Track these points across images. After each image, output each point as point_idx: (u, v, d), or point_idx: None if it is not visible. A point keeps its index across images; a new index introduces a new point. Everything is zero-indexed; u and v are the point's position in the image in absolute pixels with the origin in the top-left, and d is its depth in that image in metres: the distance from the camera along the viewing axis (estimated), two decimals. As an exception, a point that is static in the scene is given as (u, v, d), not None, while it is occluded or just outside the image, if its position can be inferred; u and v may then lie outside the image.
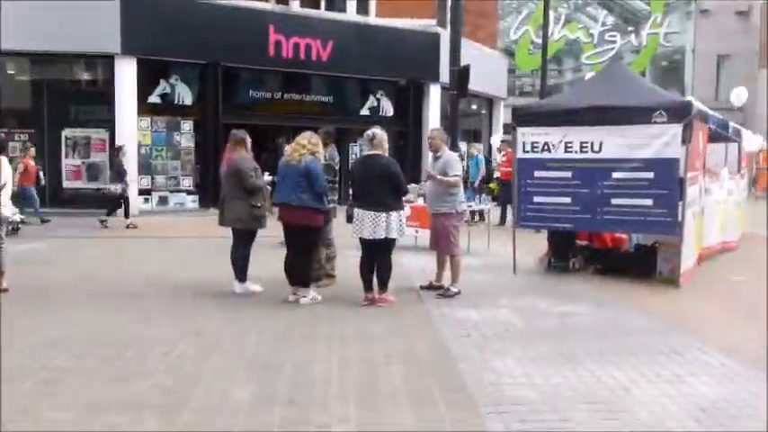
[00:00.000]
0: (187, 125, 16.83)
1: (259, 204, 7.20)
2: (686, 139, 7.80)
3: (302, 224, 6.78)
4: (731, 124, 11.49)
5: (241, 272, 7.31)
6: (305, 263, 6.94)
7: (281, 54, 17.12)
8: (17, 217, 11.98)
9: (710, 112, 9.96)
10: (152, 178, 16.38)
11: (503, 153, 15.55)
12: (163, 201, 16.35)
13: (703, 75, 34.80)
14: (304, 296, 6.88)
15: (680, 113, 7.76)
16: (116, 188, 13.35)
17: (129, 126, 15.76)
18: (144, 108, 16.14)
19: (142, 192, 16.11)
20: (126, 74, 15.55)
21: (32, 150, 14.19)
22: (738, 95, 15.02)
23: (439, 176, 7.39)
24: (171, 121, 16.65)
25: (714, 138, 10.18)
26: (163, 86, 16.57)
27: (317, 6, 18.65)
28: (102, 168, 15.98)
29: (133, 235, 12.73)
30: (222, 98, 16.77)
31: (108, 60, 15.66)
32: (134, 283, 7.93)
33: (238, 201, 7.16)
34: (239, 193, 7.15)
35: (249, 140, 7.42)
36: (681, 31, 35.12)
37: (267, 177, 7.59)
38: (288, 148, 7.11)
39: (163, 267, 9.12)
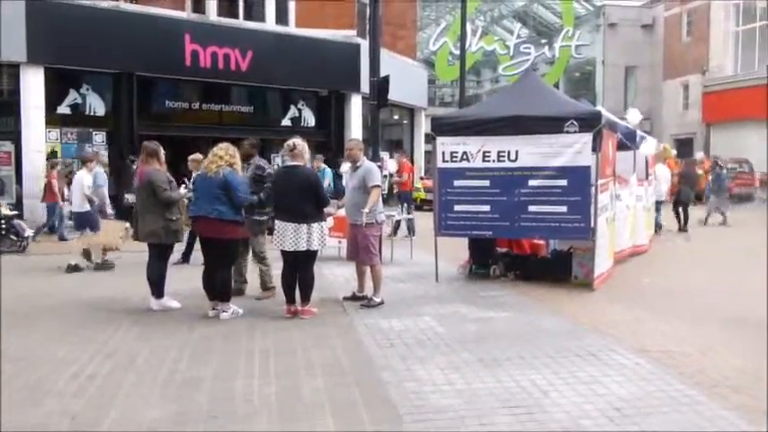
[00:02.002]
0: (99, 136, 16.23)
1: (174, 218, 7.00)
2: (596, 148, 8.11)
3: (221, 237, 6.63)
4: (638, 132, 12.05)
5: (157, 288, 7.08)
6: (224, 276, 6.80)
7: (199, 64, 16.78)
8: (28, 232, 12.01)
9: (619, 122, 10.42)
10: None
11: (397, 165, 15.81)
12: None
13: (613, 85, 36.39)
14: (224, 311, 6.72)
15: (590, 123, 8.07)
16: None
17: (37, 138, 15.07)
18: (53, 119, 15.47)
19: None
20: (32, 83, 14.87)
21: (59, 167, 14.00)
22: (633, 115, 15.65)
23: (365, 210, 7.20)
24: (82, 133, 16.01)
25: (623, 146, 10.64)
26: (73, 96, 15.94)
27: (236, 15, 18.39)
28: (7, 182, 15.18)
29: (39, 252, 12.10)
30: (137, 108, 16.28)
31: (13, 69, 14.95)
32: (45, 300, 7.55)
33: (152, 214, 6.94)
34: (153, 206, 6.94)
35: (162, 152, 7.22)
36: (591, 44, 36.62)
37: (183, 190, 7.39)
38: (204, 160, 6.95)
39: (74, 284, 8.72)
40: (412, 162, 24.40)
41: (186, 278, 8.02)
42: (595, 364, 5.23)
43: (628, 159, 11.66)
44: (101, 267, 9.84)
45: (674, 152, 25.17)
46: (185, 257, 9.91)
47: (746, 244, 12.89)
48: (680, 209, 15.80)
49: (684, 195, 15.80)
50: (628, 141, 10.90)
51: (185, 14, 17.22)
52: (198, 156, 9.22)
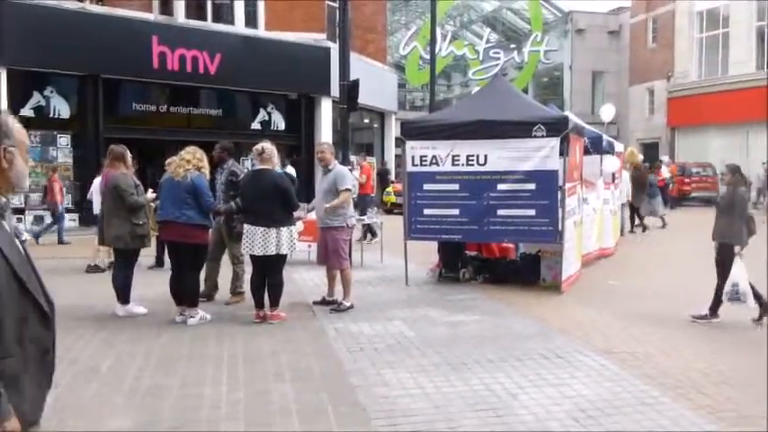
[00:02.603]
0: (64, 139, 15.93)
1: (141, 222, 6.91)
2: (564, 152, 8.21)
3: (188, 242, 6.56)
4: (605, 137, 12.23)
5: (123, 293, 6.97)
6: (192, 282, 6.72)
7: (166, 66, 16.59)
8: (25, 236, 11.49)
9: (586, 126, 10.55)
10: (25, 197, 15.29)
11: (360, 168, 15.86)
12: (38, 220, 15.33)
13: (580, 90, 36.87)
14: (192, 316, 6.64)
15: (557, 127, 8.16)
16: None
17: (-1, 141, 14.72)
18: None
19: (16, 211, 15.06)
20: (-7, 85, 14.55)
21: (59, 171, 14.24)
22: (606, 111, 15.95)
23: (328, 206, 7.29)
24: (46, 136, 15.70)
25: (590, 150, 10.79)
26: (36, 99, 15.63)
27: (204, 18, 18.22)
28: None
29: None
30: (103, 111, 16.02)
31: (-26, 71, 14.61)
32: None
33: (118, 219, 6.84)
34: (119, 210, 6.85)
35: (129, 156, 7.13)
36: (559, 49, 37.06)
37: (150, 194, 7.30)
38: (171, 164, 6.87)
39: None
40: (382, 165, 24.57)
41: (153, 283, 7.92)
42: (563, 366, 5.28)
43: (594, 163, 11.82)
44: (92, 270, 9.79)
45: (641, 156, 25.61)
46: (159, 261, 9.76)
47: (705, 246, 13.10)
48: (632, 212, 16.25)
49: (636, 200, 16.13)
50: (597, 144, 11.06)
51: (152, 16, 17.02)
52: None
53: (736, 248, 6.61)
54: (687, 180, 25.93)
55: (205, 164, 6.74)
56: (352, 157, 14.58)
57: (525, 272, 9.10)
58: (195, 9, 18.06)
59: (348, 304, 7.37)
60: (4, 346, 1.81)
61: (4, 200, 1.92)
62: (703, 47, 30.36)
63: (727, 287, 6.57)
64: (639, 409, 4.31)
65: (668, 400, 4.48)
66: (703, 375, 5.04)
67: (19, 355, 1.88)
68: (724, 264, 6.69)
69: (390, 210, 21.10)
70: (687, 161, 27.17)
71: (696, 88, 29.67)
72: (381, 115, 25.34)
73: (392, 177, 24.19)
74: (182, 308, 6.71)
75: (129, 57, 15.92)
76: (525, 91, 32.44)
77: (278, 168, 7.15)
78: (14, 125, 2.01)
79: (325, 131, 19.69)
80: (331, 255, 7.48)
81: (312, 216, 10.10)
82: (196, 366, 5.26)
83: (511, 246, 9.75)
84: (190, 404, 4.41)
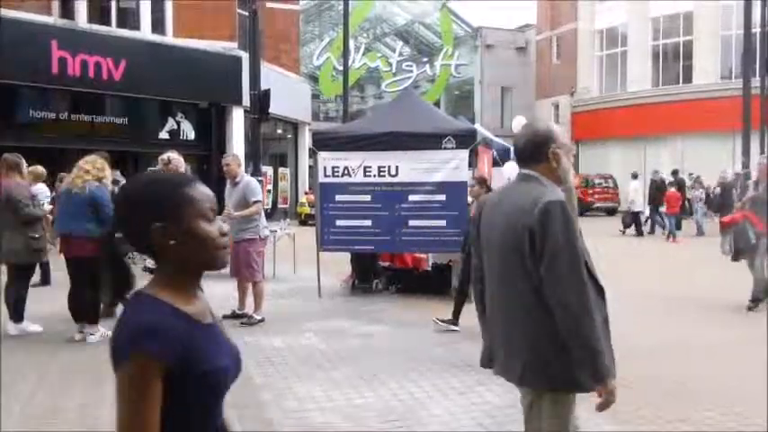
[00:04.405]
0: (-46, 148, 14.93)
1: (37, 235, 6.54)
2: (473, 164, 8.40)
3: (89, 256, 6.25)
4: (513, 149, 12.58)
5: (16, 311, 6.56)
6: (92, 297, 6.39)
7: (67, 72, 15.84)
8: None
9: (495, 139, 10.85)
10: None
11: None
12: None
13: (490, 104, 37.98)
14: (91, 333, 6.33)
15: (466, 140, 8.35)
16: None
17: None
18: None
19: None
20: None
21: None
22: (517, 123, 16.53)
23: (236, 214, 7.20)
24: (-67, 144, 14.67)
25: (498, 161, 11.09)
26: None
27: (108, 23, 17.56)
28: None
29: None
30: (-3, 118, 15.14)
31: None
32: None
33: (13, 232, 6.45)
34: (13, 223, 6.45)
35: (25, 165, 6.75)
36: (469, 63, 38.05)
37: (47, 206, 6.92)
38: (69, 175, 6.54)
39: None
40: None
41: (50, 299, 7.50)
42: (472, 374, 5.35)
43: (503, 175, 12.15)
44: None
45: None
46: (45, 277, 9.18)
47: (608, 252, 13.75)
48: None
49: None
50: (504, 156, 11.38)
51: (52, 20, 16.24)
52: (38, 169, 8.65)
53: None
54: (590, 191, 27.12)
55: (106, 173, 6.46)
56: (265, 168, 14.42)
57: (437, 282, 9.23)
58: (98, 13, 17.38)
59: (259, 317, 7.24)
60: None
61: None
62: (603, 64, 31.96)
63: None
64: (544, 414, 4.43)
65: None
66: (604, 379, 5.24)
67: None
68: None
69: (304, 221, 20.96)
70: (590, 173, 28.43)
71: (597, 103, 31.19)
72: (295, 126, 25.20)
73: (306, 188, 24.09)
74: (81, 325, 6.39)
75: (27, 61, 15.09)
76: (437, 104, 33.06)
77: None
78: (559, 130, 2.54)
79: (236, 142, 19.37)
80: (243, 267, 7.33)
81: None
82: (96, 386, 5.00)
83: (423, 256, 9.87)
84: (87, 426, 4.19)
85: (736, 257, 7.98)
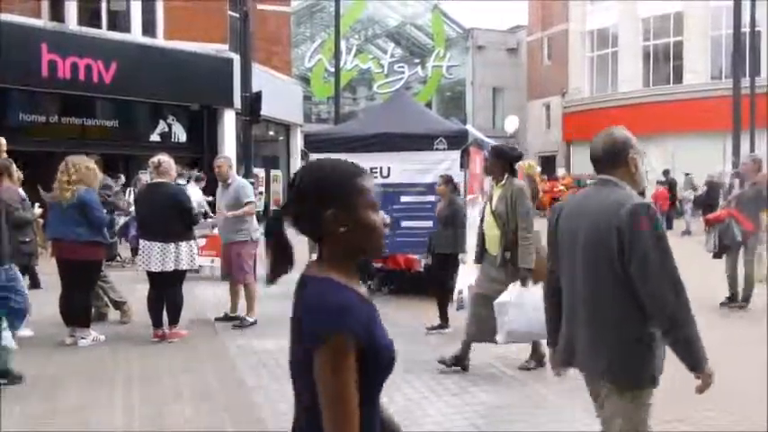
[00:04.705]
0: (-57, 152, 14.82)
1: (27, 239, 6.50)
2: (465, 165, 8.41)
3: (79, 259, 6.23)
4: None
5: (7, 315, 6.52)
6: (83, 300, 6.38)
7: (57, 74, 15.74)
8: None
9: (486, 140, 10.86)
10: None
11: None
12: None
13: (481, 105, 38.06)
14: (83, 337, 6.30)
15: (458, 141, 8.37)
16: None
17: None
18: None
19: None
20: None
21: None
22: (511, 123, 16.65)
23: (230, 213, 7.20)
24: None
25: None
26: None
27: (98, 25, 17.47)
28: None
29: None
30: (-13, 122, 15.04)
31: None
32: None
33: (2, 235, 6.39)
34: (3, 226, 6.39)
35: (15, 168, 6.70)
36: (461, 65, 38.13)
37: (37, 210, 6.88)
38: (54, 190, 6.44)
39: None
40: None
41: (41, 303, 7.46)
42: (465, 374, 5.37)
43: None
44: None
45: (539, 169, 26.68)
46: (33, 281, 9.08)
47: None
48: None
49: None
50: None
51: (42, 23, 16.16)
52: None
53: (460, 256, 6.82)
54: (582, 191, 27.19)
55: (90, 173, 6.34)
56: (257, 170, 14.37)
57: (429, 283, 9.20)
58: (89, 16, 17.30)
59: (251, 320, 7.23)
60: None
61: None
62: (594, 65, 32.06)
63: (456, 295, 6.70)
64: (537, 414, 4.44)
65: (565, 402, 4.63)
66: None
67: None
68: (447, 273, 6.82)
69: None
70: (582, 173, 28.51)
71: (589, 104, 31.26)
72: (287, 128, 25.14)
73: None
74: (72, 328, 6.35)
75: (16, 64, 14.98)
76: (429, 105, 33.10)
77: (181, 181, 6.94)
78: (633, 136, 2.73)
79: (228, 144, 19.29)
80: (235, 269, 7.32)
81: (214, 232, 9.90)
82: (87, 390, 4.99)
83: (415, 257, 9.85)
84: (78, 431, 4.17)
85: (719, 254, 8.00)
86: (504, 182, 5.35)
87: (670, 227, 17.65)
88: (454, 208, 7.00)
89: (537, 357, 5.47)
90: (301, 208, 1.58)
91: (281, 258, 1.62)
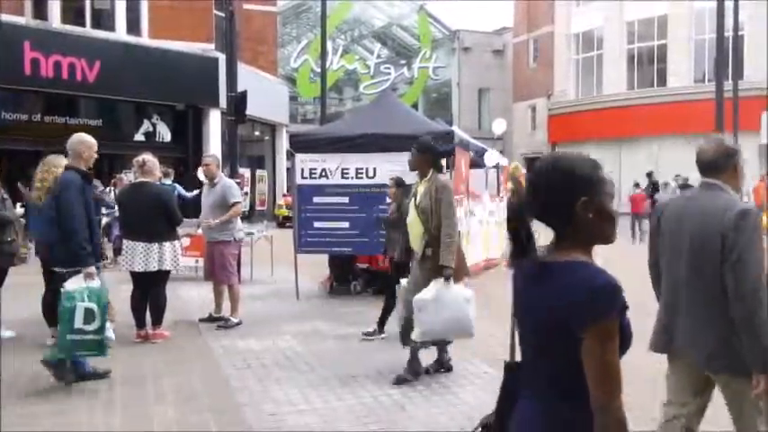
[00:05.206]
0: (-77, 150, 14.64)
1: (9, 239, 6.42)
2: (450, 165, 8.41)
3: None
4: (489, 151, 12.65)
5: (-12, 316, 6.44)
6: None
7: (40, 73, 15.61)
8: None
9: (472, 141, 10.89)
10: None
11: None
12: None
13: (467, 106, 38.15)
14: (65, 338, 6.22)
15: (443, 142, 8.34)
16: None
17: None
18: None
19: None
20: None
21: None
22: (498, 125, 16.67)
23: (216, 222, 7.15)
24: None
25: (476, 163, 11.13)
26: None
27: (82, 24, 17.32)
28: None
29: None
30: (-32, 120, 14.86)
31: None
32: None
33: (-18, 235, 6.32)
34: (-16, 226, 6.32)
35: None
36: (447, 66, 38.20)
37: (19, 209, 6.80)
38: (32, 192, 6.36)
39: None
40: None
41: (23, 304, 7.37)
42: (450, 375, 5.37)
43: (480, 176, 12.22)
44: None
45: (524, 170, 26.81)
46: None
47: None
48: None
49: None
50: (481, 158, 11.43)
51: (24, 20, 16.00)
52: None
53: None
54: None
55: (56, 171, 6.26)
56: (242, 170, 14.31)
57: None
58: (73, 14, 17.15)
59: (236, 320, 7.19)
60: None
61: None
62: (580, 67, 32.24)
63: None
64: (522, 414, 4.44)
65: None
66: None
67: None
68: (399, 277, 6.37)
69: (282, 223, 20.86)
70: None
71: (574, 106, 31.44)
72: (272, 128, 25.08)
73: (284, 190, 23.97)
74: (54, 329, 6.26)
75: (-2, 62, 14.86)
76: (415, 106, 33.11)
77: (168, 181, 6.88)
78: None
79: (213, 143, 19.20)
80: (218, 270, 7.28)
81: (198, 232, 9.84)
82: (68, 392, 4.93)
83: (401, 258, 9.85)
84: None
85: None
86: (428, 177, 5.20)
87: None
88: (404, 211, 6.86)
89: (442, 364, 5.42)
90: (552, 198, 1.69)
91: (526, 246, 1.72)
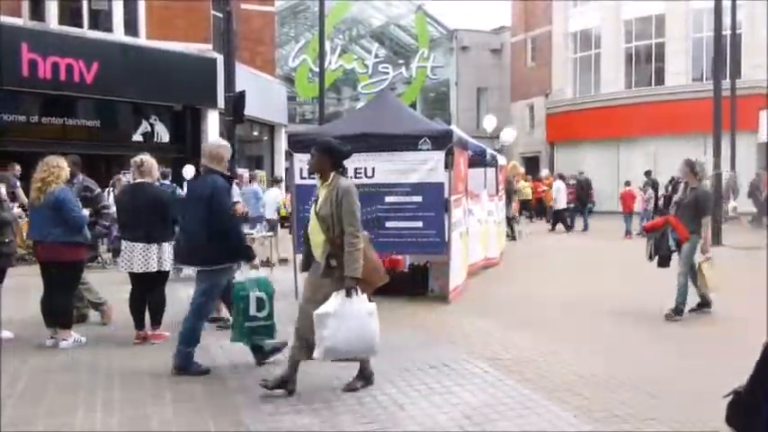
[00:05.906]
0: None
1: (7, 240, 6.41)
2: (449, 165, 8.42)
3: (59, 260, 6.16)
4: (488, 151, 12.68)
5: (-14, 317, 6.44)
6: (64, 302, 6.30)
7: (38, 74, 15.59)
8: None
9: (470, 140, 10.88)
10: None
11: None
12: None
13: (465, 106, 38.15)
14: (64, 339, 6.23)
15: (442, 141, 8.36)
16: None
17: None
18: None
19: None
20: None
21: None
22: (489, 123, 16.75)
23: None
24: None
25: (474, 163, 11.14)
26: None
27: (80, 25, 17.30)
28: None
29: None
30: (-34, 122, 14.84)
31: None
32: None
33: (-19, 236, 6.32)
34: (-18, 227, 6.32)
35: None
36: (445, 65, 38.18)
37: (16, 210, 6.80)
38: (31, 192, 6.34)
39: None
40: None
41: (21, 304, 7.38)
42: (449, 374, 5.37)
43: (479, 176, 12.23)
44: None
45: (522, 169, 26.82)
46: None
47: (577, 253, 13.91)
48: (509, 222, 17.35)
49: (507, 210, 17.04)
50: (480, 157, 11.44)
51: (22, 21, 15.98)
52: None
53: None
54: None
55: (53, 171, 6.24)
56: (241, 170, 14.31)
57: (414, 283, 9.23)
58: (70, 15, 17.12)
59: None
60: None
61: None
62: (577, 66, 32.25)
63: None
64: (521, 413, 4.45)
65: (547, 403, 4.65)
66: (579, 378, 5.28)
67: None
68: None
69: (282, 223, 20.83)
70: (565, 174, 28.67)
71: (571, 105, 31.45)
72: (271, 128, 25.07)
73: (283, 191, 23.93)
74: (53, 330, 6.28)
75: (-5, 63, 14.83)
76: (413, 106, 33.12)
77: (167, 182, 6.88)
78: None
79: (211, 144, 19.16)
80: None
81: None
82: (67, 393, 4.93)
83: (400, 258, 9.85)
84: (59, 434, 4.12)
85: (664, 263, 7.66)
86: (330, 181, 4.80)
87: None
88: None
89: (364, 376, 5.03)
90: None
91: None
